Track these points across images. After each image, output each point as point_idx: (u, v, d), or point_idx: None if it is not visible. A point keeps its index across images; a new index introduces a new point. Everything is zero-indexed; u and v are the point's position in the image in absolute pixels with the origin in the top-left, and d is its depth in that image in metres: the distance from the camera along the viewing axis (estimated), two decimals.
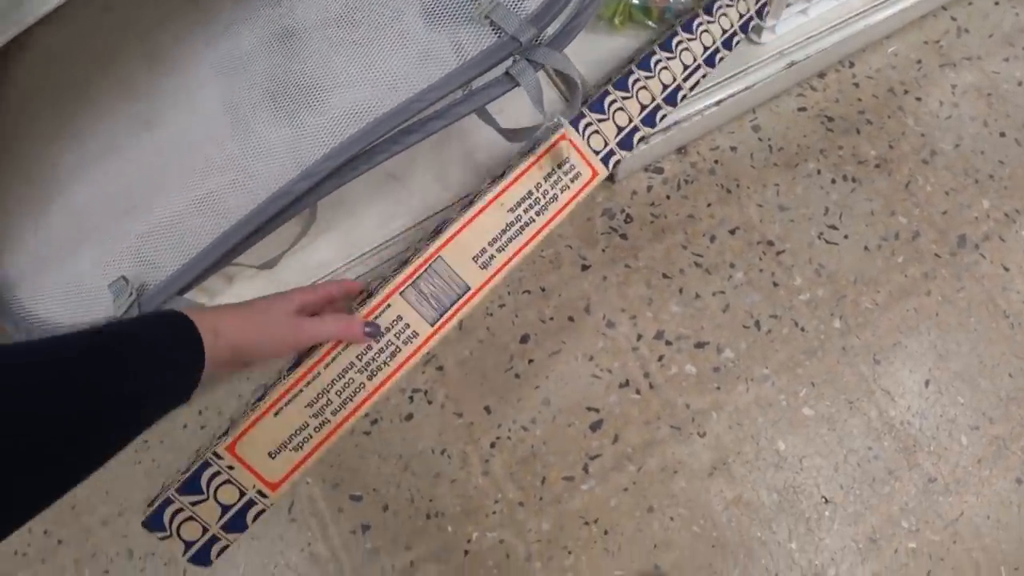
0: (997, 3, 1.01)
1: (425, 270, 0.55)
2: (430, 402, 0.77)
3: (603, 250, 0.80)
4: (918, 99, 0.91)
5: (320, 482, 0.77)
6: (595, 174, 0.62)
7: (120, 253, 0.59)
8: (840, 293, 0.79)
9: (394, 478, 0.76)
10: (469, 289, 0.57)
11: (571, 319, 0.78)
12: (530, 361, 0.77)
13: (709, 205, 0.82)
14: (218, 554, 0.46)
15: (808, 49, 0.79)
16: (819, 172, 0.85)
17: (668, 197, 0.82)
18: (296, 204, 0.53)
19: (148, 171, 0.60)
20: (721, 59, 0.73)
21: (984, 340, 0.79)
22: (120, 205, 0.60)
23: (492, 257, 0.58)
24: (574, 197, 0.61)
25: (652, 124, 0.68)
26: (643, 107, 0.67)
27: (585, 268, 0.79)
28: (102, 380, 0.33)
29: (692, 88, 0.71)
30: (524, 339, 0.78)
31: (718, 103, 0.77)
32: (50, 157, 0.64)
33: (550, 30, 0.51)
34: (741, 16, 0.73)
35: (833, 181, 0.84)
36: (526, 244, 0.59)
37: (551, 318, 0.78)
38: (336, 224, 0.73)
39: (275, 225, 0.55)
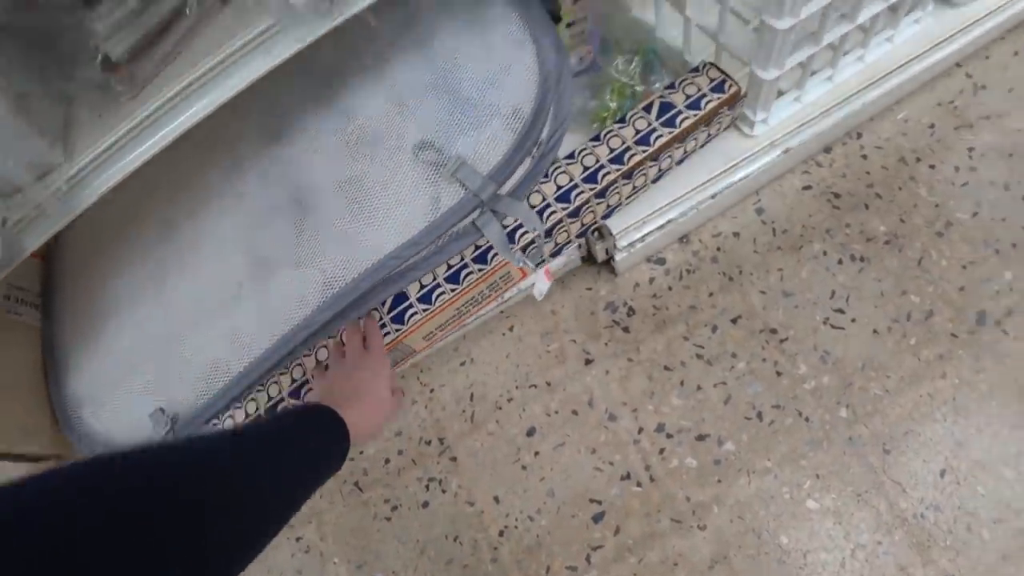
0: (1016, 53, 0.96)
1: (391, 351, 0.69)
2: (444, 491, 0.81)
3: (606, 344, 0.81)
4: (931, 167, 0.88)
5: (346, 562, 0.81)
6: (524, 275, 0.73)
7: (159, 383, 0.65)
8: (847, 380, 0.77)
9: (412, 562, 0.79)
10: (414, 353, 0.74)
11: (575, 412, 0.79)
12: (536, 453, 0.79)
13: (711, 294, 0.81)
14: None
15: (803, 135, 0.78)
16: (825, 253, 0.83)
17: (670, 288, 0.82)
18: (295, 352, 0.57)
19: (183, 307, 0.66)
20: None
21: (1008, 425, 0.76)
22: (160, 338, 0.66)
23: (435, 335, 0.73)
24: (500, 293, 0.74)
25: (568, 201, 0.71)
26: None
27: (588, 362, 0.81)
28: (287, 460, 0.41)
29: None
30: (531, 432, 0.80)
31: (713, 196, 0.77)
32: (105, 291, 0.71)
33: (510, 183, 0.53)
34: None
35: (840, 262, 0.83)
36: (458, 324, 0.74)
37: (556, 412, 0.80)
38: None
39: (287, 362, 0.60)
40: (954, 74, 0.95)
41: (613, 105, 0.73)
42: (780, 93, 0.77)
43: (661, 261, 0.84)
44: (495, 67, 0.55)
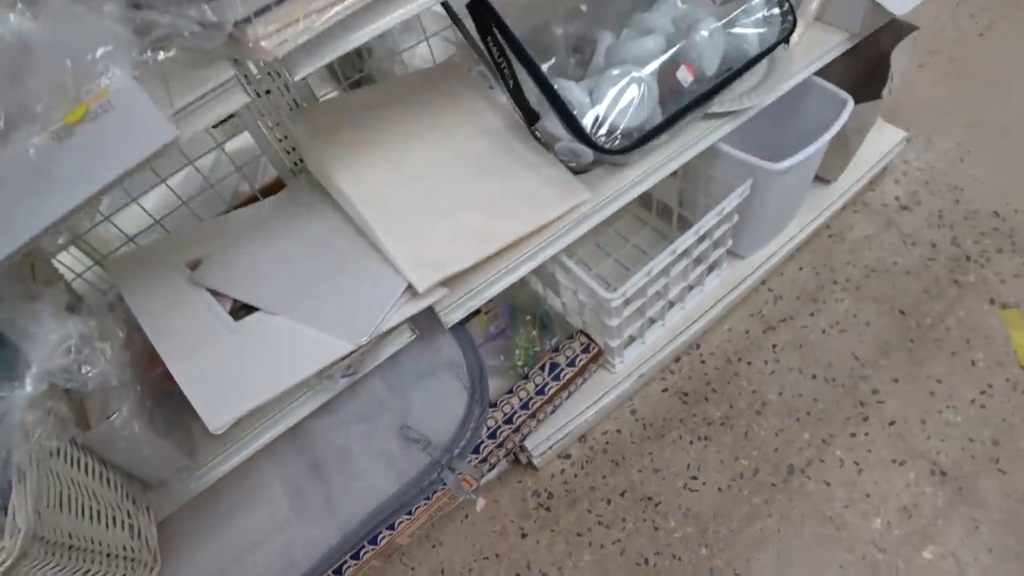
0: (801, 269, 1.48)
1: (387, 549, 1.01)
2: None
3: (534, 521, 1.21)
4: (749, 363, 1.36)
5: None
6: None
7: None
8: (704, 527, 1.19)
9: None
10: (401, 547, 1.09)
11: (517, 575, 1.18)
12: None
13: (604, 477, 1.24)
14: None
15: (651, 363, 1.25)
16: (680, 437, 1.27)
17: (575, 475, 1.24)
18: (331, 565, 0.96)
19: (249, 536, 1.03)
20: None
21: (818, 543, 1.18)
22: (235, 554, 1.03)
23: (415, 533, 1.06)
24: (456, 501, 1.06)
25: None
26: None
27: (524, 536, 1.21)
28: None
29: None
30: None
31: (596, 412, 1.22)
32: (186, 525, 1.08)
33: (458, 449, 0.96)
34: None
35: (691, 442, 1.27)
36: (430, 523, 1.06)
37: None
38: None
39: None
40: (760, 290, 1.45)
41: (520, 363, 1.18)
42: (632, 339, 1.24)
43: (567, 456, 1.27)
44: (443, 377, 1.00)
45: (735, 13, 1.04)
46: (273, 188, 1.12)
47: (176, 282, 0.91)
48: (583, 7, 1.03)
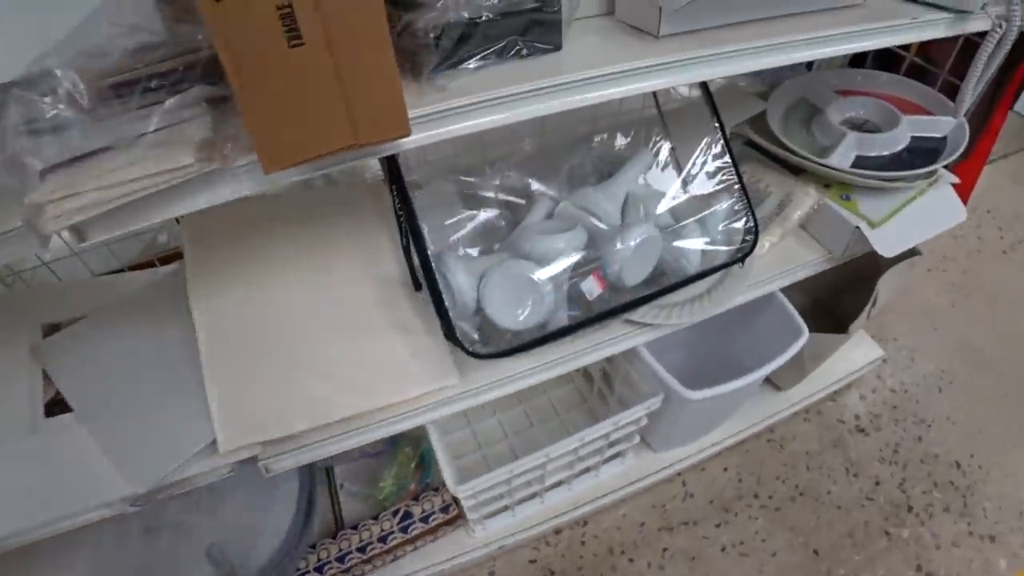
0: (725, 469, 1.40)
1: None
2: None
3: None
4: (631, 560, 1.28)
5: None
6: None
7: None
8: None
9: None
10: None
11: None
12: None
13: None
14: None
15: (516, 538, 1.18)
16: None
17: None
18: None
19: None
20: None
21: None
22: None
23: None
24: None
25: None
26: None
27: None
28: None
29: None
30: None
31: (449, 567, 1.16)
32: None
33: None
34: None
35: None
36: None
37: None
38: None
39: None
40: (674, 480, 1.38)
41: (382, 496, 1.13)
42: (505, 507, 1.18)
43: None
44: (277, 494, 0.96)
45: (688, 222, 0.98)
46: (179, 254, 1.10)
47: (19, 349, 0.89)
48: (529, 164, 0.98)
